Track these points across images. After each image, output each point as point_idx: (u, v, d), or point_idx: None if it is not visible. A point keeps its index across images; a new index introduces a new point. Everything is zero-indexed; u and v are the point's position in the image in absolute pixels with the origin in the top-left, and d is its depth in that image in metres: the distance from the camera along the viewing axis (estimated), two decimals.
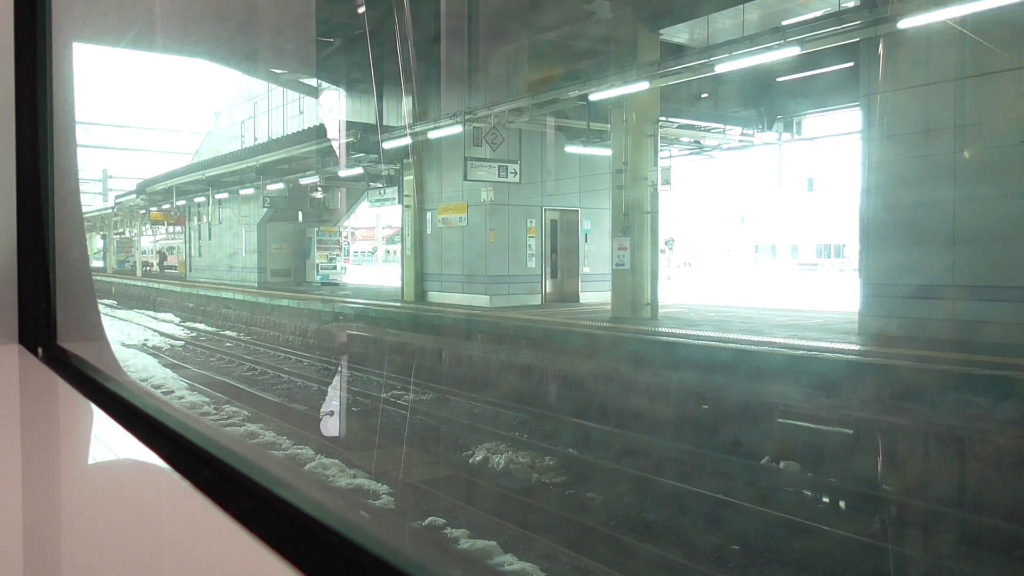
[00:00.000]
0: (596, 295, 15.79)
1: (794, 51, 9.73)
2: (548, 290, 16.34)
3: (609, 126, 13.79)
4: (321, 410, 10.31)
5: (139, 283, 29.14)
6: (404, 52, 15.08)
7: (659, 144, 13.33)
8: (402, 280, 17.60)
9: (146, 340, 16.42)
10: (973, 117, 8.85)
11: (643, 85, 11.80)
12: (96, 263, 41.08)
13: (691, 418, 7.90)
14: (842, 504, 6.17)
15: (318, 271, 24.35)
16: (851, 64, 11.95)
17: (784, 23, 11.69)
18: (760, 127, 16.54)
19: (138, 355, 13.74)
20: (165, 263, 37.41)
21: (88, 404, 1.41)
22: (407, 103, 16.49)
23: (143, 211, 31.33)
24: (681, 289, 22.00)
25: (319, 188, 22.41)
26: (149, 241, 40.02)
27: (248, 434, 8.17)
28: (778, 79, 15.09)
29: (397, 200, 18.43)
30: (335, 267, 24.89)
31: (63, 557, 0.87)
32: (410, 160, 17.05)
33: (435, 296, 16.82)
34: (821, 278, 34.60)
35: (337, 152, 18.02)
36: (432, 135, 15.36)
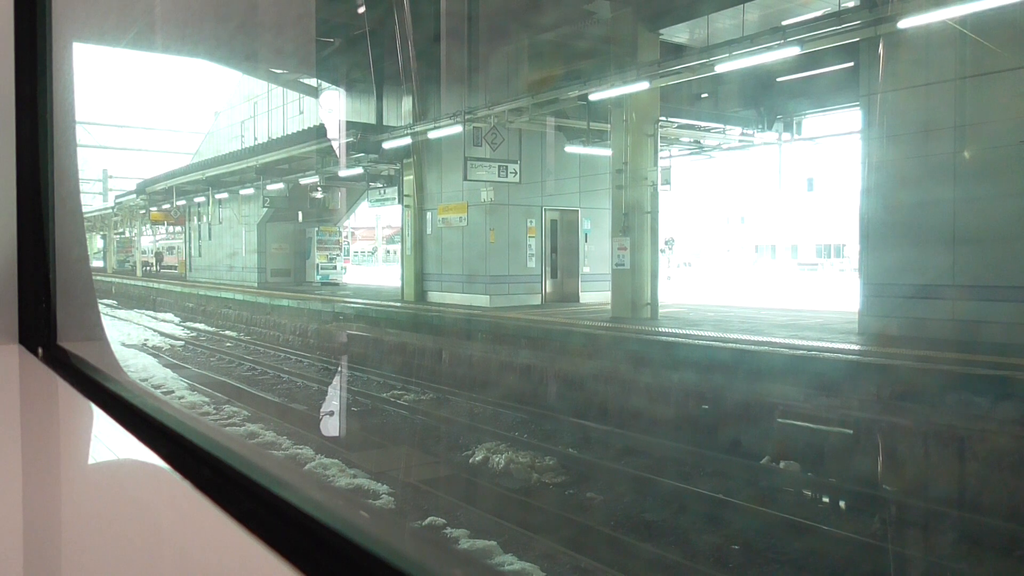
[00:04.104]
0: (596, 295, 15.79)
1: (794, 51, 9.73)
2: (548, 290, 16.34)
3: (609, 126, 13.79)
4: (321, 410, 10.31)
5: (139, 283, 29.15)
6: (404, 52, 15.08)
7: (659, 144, 13.33)
8: (402, 280, 17.61)
9: (146, 340, 16.42)
10: (973, 117, 8.84)
11: (643, 85, 11.80)
12: (96, 263, 41.08)
13: (691, 418, 7.90)
14: (842, 504, 6.17)
15: (318, 271, 24.35)
16: (851, 64, 11.95)
17: (784, 23, 11.69)
18: (760, 127, 16.54)
19: (138, 355, 13.74)
20: (163, 263, 37.26)
21: (88, 404, 1.41)
22: (407, 103, 16.50)
23: (143, 211, 31.34)
24: (681, 289, 22.00)
25: (319, 188, 22.42)
26: (149, 241, 40.03)
27: (248, 434, 8.17)
28: (778, 79, 15.09)
29: (397, 200, 18.43)
30: (335, 267, 24.89)
31: (63, 557, 0.87)
32: (410, 160, 17.06)
33: (435, 296, 16.82)
34: (821, 278, 34.59)
35: (337, 152, 18.02)
36: (432, 135, 15.36)
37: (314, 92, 21.01)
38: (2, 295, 1.77)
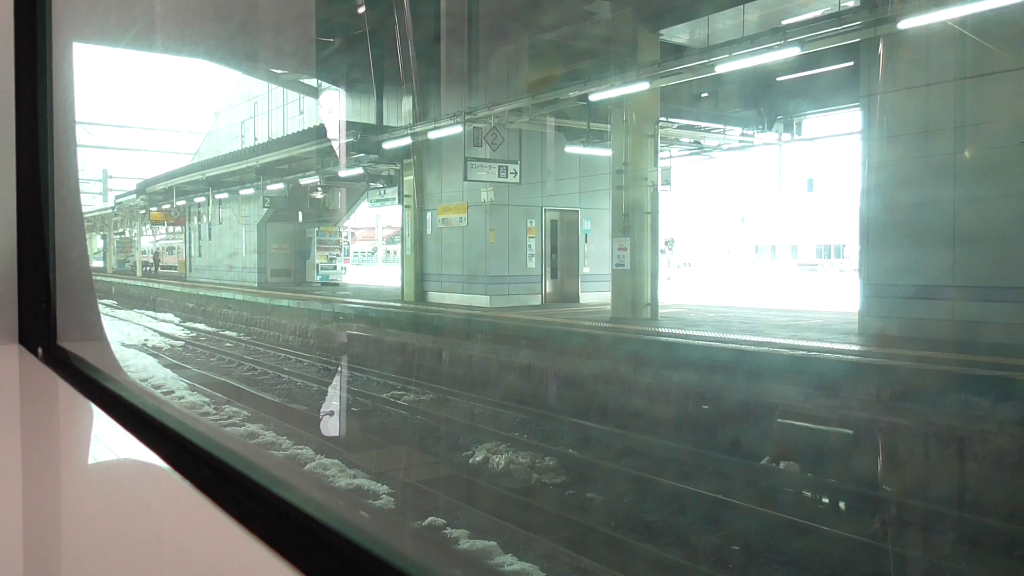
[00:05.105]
0: (596, 295, 15.79)
1: (794, 51, 9.73)
2: (548, 290, 16.34)
3: (609, 126, 13.79)
4: (321, 410, 10.31)
5: (139, 283, 29.14)
6: (404, 52, 15.08)
7: (659, 144, 13.33)
8: (402, 280, 17.61)
9: (146, 340, 16.42)
10: (973, 117, 8.85)
11: (643, 85, 11.80)
12: (96, 263, 41.07)
13: (691, 418, 7.90)
14: (842, 504, 6.17)
15: (318, 271, 24.35)
16: (851, 64, 11.95)
17: (784, 23, 11.70)
18: (760, 127, 16.55)
19: (138, 355, 13.73)
20: (160, 263, 37.03)
21: (88, 404, 1.41)
22: (407, 103, 16.50)
23: (143, 211, 31.34)
24: (681, 289, 22.00)
25: (319, 188, 22.42)
26: (149, 241, 40.01)
27: (248, 434, 8.17)
28: (778, 79, 15.10)
29: (397, 200, 18.43)
30: (335, 267, 24.90)
31: (63, 557, 0.87)
32: (410, 160, 17.06)
33: (435, 296, 16.82)
34: (821, 278, 34.59)
35: (337, 152, 18.02)
36: (432, 135, 15.36)
37: (314, 92, 21.01)
38: (2, 295, 1.77)
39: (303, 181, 21.06)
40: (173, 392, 10.44)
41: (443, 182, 16.68)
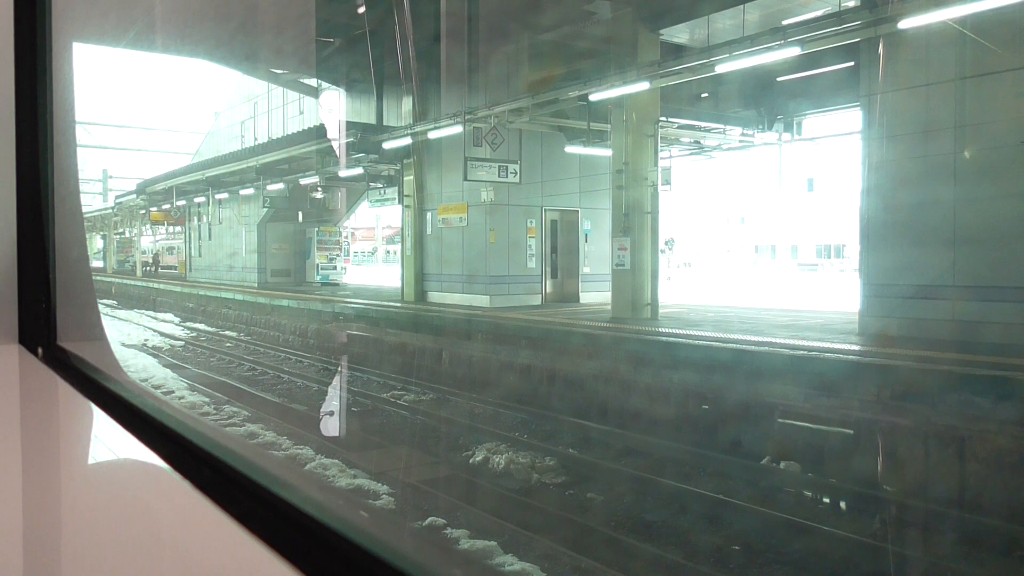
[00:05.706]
0: (596, 295, 15.79)
1: (794, 51, 9.73)
2: (548, 290, 16.34)
3: (609, 126, 13.79)
4: (321, 410, 10.31)
5: (139, 283, 29.14)
6: (404, 52, 15.08)
7: (659, 144, 13.33)
8: (402, 280, 17.60)
9: (146, 340, 16.42)
10: (973, 117, 8.84)
11: (643, 85, 11.80)
12: (96, 263, 41.06)
13: (691, 418, 7.90)
14: (842, 504, 6.17)
15: (318, 271, 24.35)
16: (851, 64, 11.95)
17: (784, 23, 11.69)
18: (760, 127, 16.54)
19: (138, 355, 13.74)
20: (160, 264, 36.88)
21: (88, 404, 1.41)
22: (407, 103, 16.50)
23: (143, 211, 31.33)
24: (681, 289, 22.00)
25: (319, 188, 22.41)
26: (149, 241, 40.00)
27: (248, 434, 8.17)
28: (778, 79, 15.09)
29: (397, 200, 18.43)
30: (335, 267, 24.89)
31: (63, 557, 0.87)
32: (410, 160, 17.06)
33: (435, 296, 16.82)
34: (821, 278, 34.59)
35: (337, 152, 18.02)
36: (432, 135, 15.36)
37: (314, 92, 21.01)
38: (2, 295, 1.77)
39: (303, 181, 21.05)
40: (173, 392, 10.44)
41: (443, 182, 16.68)
